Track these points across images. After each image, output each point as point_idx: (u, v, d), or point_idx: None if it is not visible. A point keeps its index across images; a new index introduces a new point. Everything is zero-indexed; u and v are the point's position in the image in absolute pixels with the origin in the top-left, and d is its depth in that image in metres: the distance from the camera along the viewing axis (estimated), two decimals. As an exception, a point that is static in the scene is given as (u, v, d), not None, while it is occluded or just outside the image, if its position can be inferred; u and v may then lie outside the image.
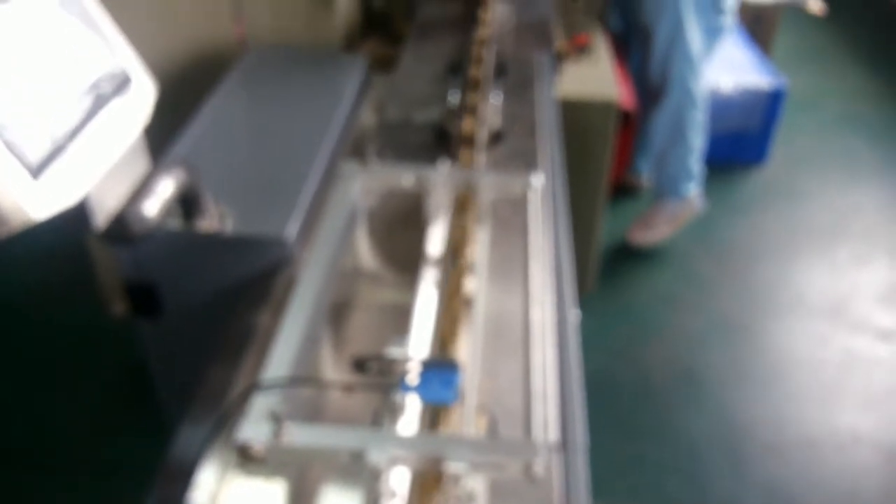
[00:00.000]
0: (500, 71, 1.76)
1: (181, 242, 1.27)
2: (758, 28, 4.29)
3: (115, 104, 0.93)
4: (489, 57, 1.82)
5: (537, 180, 1.17)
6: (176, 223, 1.26)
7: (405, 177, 1.18)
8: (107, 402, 2.35)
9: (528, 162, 1.45)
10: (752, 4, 4.16)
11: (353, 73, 1.80)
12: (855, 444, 2.31)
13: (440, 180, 1.16)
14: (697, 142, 2.86)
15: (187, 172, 1.16)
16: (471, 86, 1.67)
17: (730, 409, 2.43)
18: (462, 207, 1.25)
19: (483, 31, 1.93)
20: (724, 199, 3.39)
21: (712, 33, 2.84)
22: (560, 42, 2.44)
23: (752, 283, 2.93)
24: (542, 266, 1.13)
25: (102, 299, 1.30)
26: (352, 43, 2.29)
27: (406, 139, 1.53)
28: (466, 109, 1.58)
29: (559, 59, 2.39)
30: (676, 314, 2.76)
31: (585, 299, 2.66)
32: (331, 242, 1.12)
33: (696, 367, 2.56)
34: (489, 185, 1.16)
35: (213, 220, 1.27)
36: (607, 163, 2.33)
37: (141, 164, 1.02)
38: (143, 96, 0.96)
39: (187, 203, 1.24)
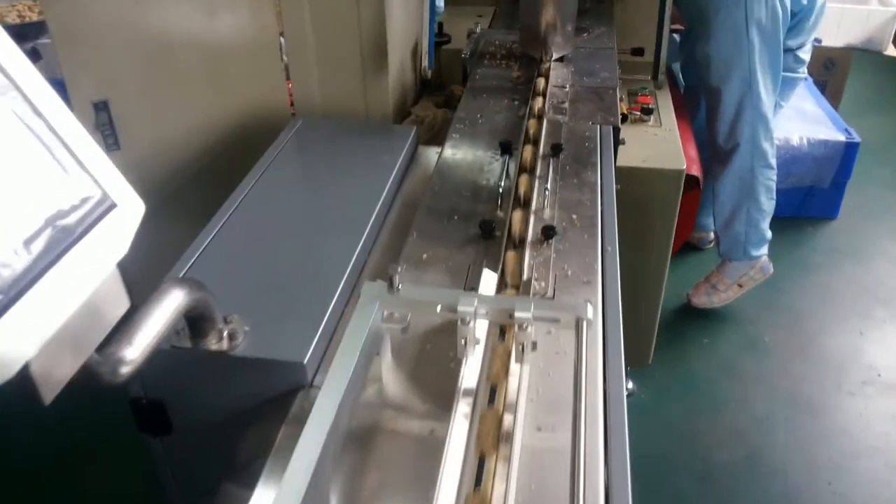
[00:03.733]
0: (556, 150, 1.52)
1: (189, 361, 1.08)
2: (828, 73, 3.92)
3: (88, 238, 0.72)
4: (543, 132, 1.59)
5: (591, 311, 0.93)
6: (184, 341, 1.07)
7: (435, 305, 0.95)
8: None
9: (583, 267, 1.20)
10: (824, 48, 3.81)
11: (398, 149, 1.58)
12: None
13: (476, 310, 0.93)
14: (769, 203, 2.55)
15: (193, 290, 0.96)
16: (522, 169, 1.44)
17: (795, 498, 2.12)
18: (502, 335, 1.02)
19: (537, 102, 1.70)
20: (793, 258, 3.06)
21: (787, 85, 2.53)
22: (622, 103, 2.19)
23: (822, 353, 2.60)
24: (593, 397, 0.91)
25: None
26: (403, 107, 2.08)
27: (450, 231, 1.30)
28: (516, 200, 1.35)
29: (621, 121, 2.14)
30: (739, 388, 2.45)
31: (642, 371, 2.44)
32: (350, 366, 0.91)
33: (760, 448, 2.25)
34: (534, 316, 0.92)
35: (223, 339, 1.07)
36: (670, 234, 2.06)
37: (118, 303, 0.82)
38: (121, 224, 0.75)
39: (194, 322, 1.04)
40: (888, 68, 4.55)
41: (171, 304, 0.91)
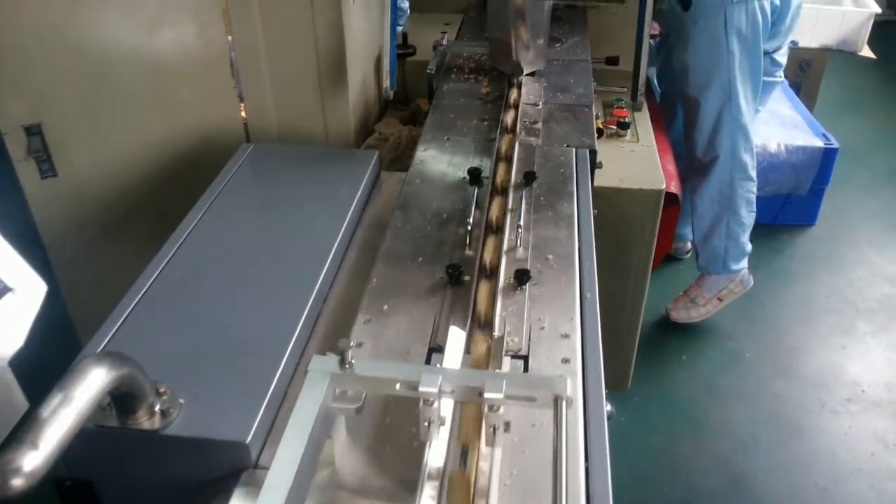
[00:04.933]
0: (529, 179, 1.40)
1: (117, 440, 0.94)
2: (803, 74, 3.86)
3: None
4: (515, 157, 1.47)
5: (570, 387, 0.82)
6: (110, 419, 0.93)
7: (393, 383, 0.83)
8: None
9: (561, 316, 1.08)
10: (799, 49, 3.74)
11: (357, 178, 1.46)
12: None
13: (440, 388, 0.81)
14: (749, 216, 2.46)
15: (115, 366, 0.83)
16: (492, 204, 1.32)
17: (782, 526, 2.04)
18: (469, 413, 0.90)
19: (508, 121, 1.58)
20: (771, 267, 2.98)
21: (764, 89, 2.44)
22: (597, 119, 2.07)
23: (804, 369, 2.52)
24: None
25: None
26: (366, 124, 1.95)
27: (414, 277, 1.18)
28: (485, 238, 1.23)
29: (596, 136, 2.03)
30: (721, 408, 2.36)
31: (622, 395, 2.34)
32: (298, 454, 0.79)
33: (744, 471, 2.17)
34: (507, 395, 0.81)
35: (155, 415, 0.94)
36: (649, 255, 1.95)
37: (12, 406, 0.69)
38: (16, 312, 0.62)
39: (121, 399, 0.91)
40: (863, 69, 4.51)
41: (87, 389, 0.78)
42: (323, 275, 1.20)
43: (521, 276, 1.14)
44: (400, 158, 1.87)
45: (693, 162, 2.47)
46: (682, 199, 2.38)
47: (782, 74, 2.53)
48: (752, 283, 2.61)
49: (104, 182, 1.76)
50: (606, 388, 1.00)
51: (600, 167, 1.64)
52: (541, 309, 1.11)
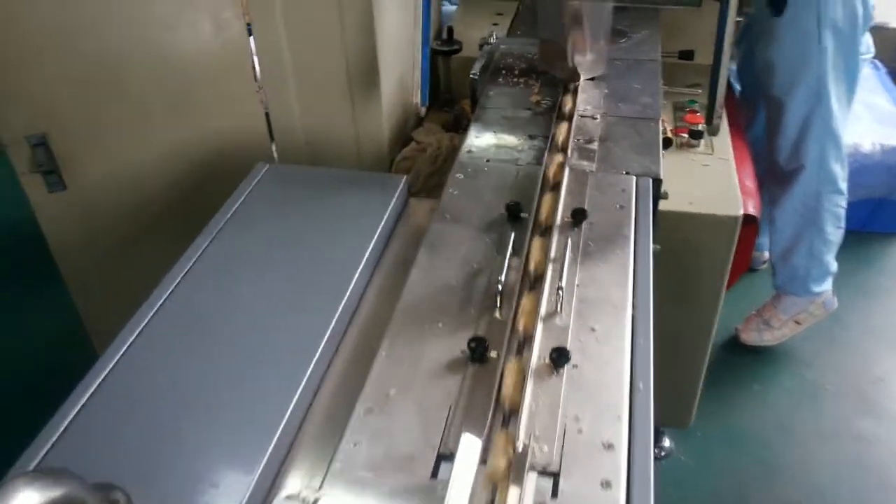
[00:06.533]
0: (578, 218, 1.18)
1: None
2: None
3: None
4: (564, 188, 1.24)
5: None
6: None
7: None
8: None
9: (604, 415, 0.87)
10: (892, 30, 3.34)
11: (379, 210, 1.26)
12: None
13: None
14: (836, 233, 2.17)
15: (48, 487, 0.67)
16: (530, 253, 1.11)
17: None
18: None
19: (559, 139, 1.35)
20: (859, 283, 2.66)
21: (852, 84, 2.11)
22: (665, 123, 1.81)
23: (894, 406, 2.22)
24: None
25: None
26: (404, 130, 1.74)
27: (431, 348, 0.98)
28: (519, 298, 1.02)
29: (664, 146, 1.77)
30: (797, 449, 2.10)
31: (683, 432, 2.11)
32: None
33: (821, 526, 1.92)
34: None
35: (100, 537, 0.77)
36: (720, 287, 1.70)
37: None
38: None
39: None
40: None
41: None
42: (327, 336, 1.01)
43: (559, 357, 0.93)
44: (439, 171, 1.66)
45: (775, 169, 2.18)
46: (760, 211, 2.10)
47: (870, 51, 2.15)
48: (836, 305, 2.31)
49: (117, 195, 1.62)
50: (665, 423, 0.79)
51: (665, 197, 1.40)
52: (580, 402, 0.89)
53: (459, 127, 1.81)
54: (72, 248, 1.64)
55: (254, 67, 1.57)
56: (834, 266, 2.24)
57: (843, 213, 2.15)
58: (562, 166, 1.30)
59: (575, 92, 1.56)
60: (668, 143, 1.78)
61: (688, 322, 1.75)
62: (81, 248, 1.65)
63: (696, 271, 1.67)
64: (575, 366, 0.94)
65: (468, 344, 0.96)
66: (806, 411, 2.21)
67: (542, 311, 1.02)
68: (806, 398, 2.25)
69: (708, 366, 2.01)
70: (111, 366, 0.98)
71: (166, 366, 0.98)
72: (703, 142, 1.81)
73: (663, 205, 1.51)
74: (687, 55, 2.03)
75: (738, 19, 2.31)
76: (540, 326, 0.99)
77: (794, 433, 2.14)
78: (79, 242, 1.64)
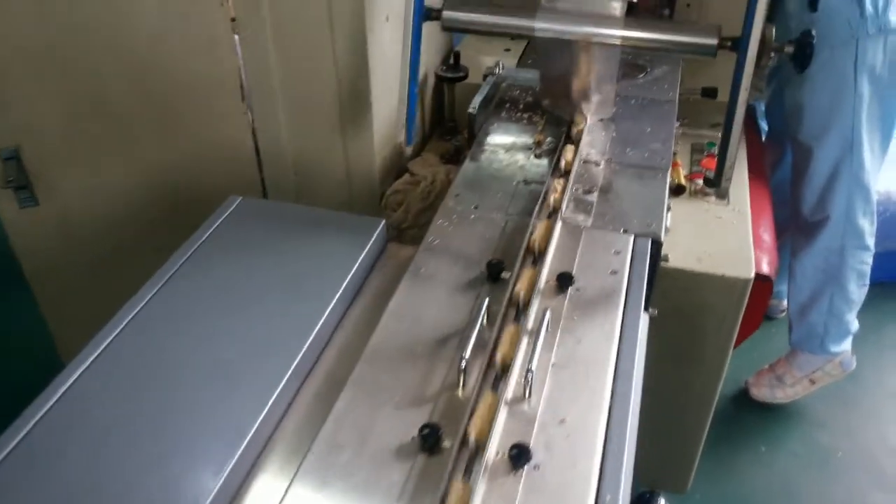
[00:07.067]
0: (564, 283, 1.07)
1: None
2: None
3: None
4: (554, 242, 1.13)
5: None
6: None
7: None
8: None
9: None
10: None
11: (351, 255, 1.16)
12: None
13: None
14: (859, 292, 2.03)
15: None
16: (505, 323, 1.00)
17: None
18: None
19: (555, 190, 1.24)
20: (881, 339, 2.50)
21: (888, 134, 1.97)
22: (679, 167, 1.69)
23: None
24: None
25: None
26: (400, 160, 1.63)
27: (379, 431, 0.88)
28: (484, 378, 0.92)
29: (675, 193, 1.65)
30: (803, 521, 1.97)
31: (680, 499, 1.97)
32: None
33: None
34: None
35: None
36: (726, 350, 1.57)
37: None
38: None
39: None
40: None
41: None
42: (275, 395, 0.92)
43: (518, 455, 0.82)
44: (431, 208, 1.55)
45: (798, 219, 2.04)
46: (777, 268, 1.97)
47: None
48: (854, 365, 2.17)
49: (92, 214, 1.54)
50: (660, 487, 0.69)
51: (665, 261, 1.29)
52: (536, 512, 0.79)
53: (460, 158, 1.70)
54: (43, 265, 1.57)
55: (242, 87, 1.48)
56: (854, 325, 2.10)
57: (867, 270, 2.01)
58: (550, 229, 1.18)
59: (577, 140, 1.43)
60: (680, 190, 1.66)
61: (690, 383, 1.62)
62: (53, 266, 1.57)
63: (701, 331, 1.54)
64: (536, 466, 0.83)
65: (420, 430, 0.85)
66: (815, 478, 2.06)
67: (509, 394, 0.91)
68: (815, 464, 2.11)
69: (711, 421, 1.88)
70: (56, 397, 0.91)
71: (116, 400, 0.91)
72: (716, 191, 1.68)
73: (670, 258, 1.40)
74: (710, 93, 1.90)
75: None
76: (503, 414, 0.88)
77: (801, 502, 2.00)
78: (51, 260, 1.57)
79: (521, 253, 1.10)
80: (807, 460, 2.12)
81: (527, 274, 1.06)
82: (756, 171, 1.82)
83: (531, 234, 1.14)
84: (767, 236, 1.79)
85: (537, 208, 1.20)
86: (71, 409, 0.91)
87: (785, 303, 2.54)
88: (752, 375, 2.30)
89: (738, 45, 1.18)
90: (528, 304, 1.03)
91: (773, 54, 1.16)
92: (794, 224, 2.07)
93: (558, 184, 1.25)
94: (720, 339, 1.55)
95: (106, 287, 1.59)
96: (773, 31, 1.15)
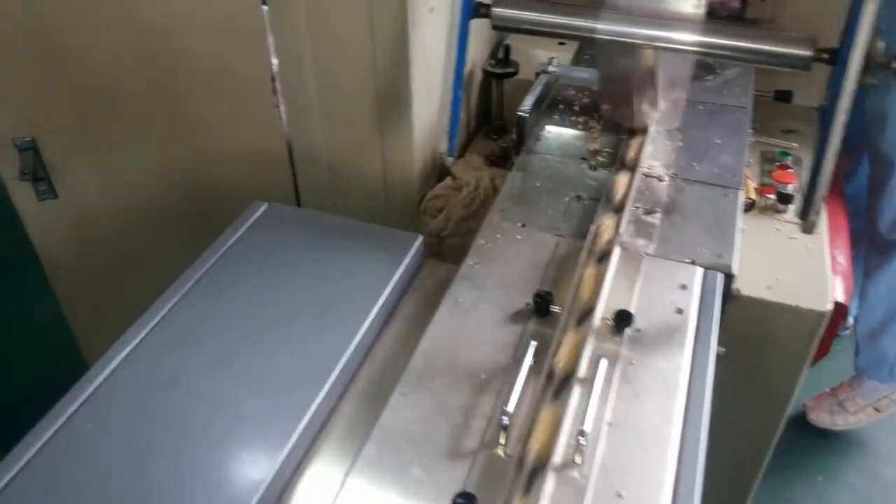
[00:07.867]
0: (621, 322, 0.94)
1: None
2: None
3: None
4: (609, 277, 1.00)
5: None
6: None
7: None
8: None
9: None
10: None
11: (385, 273, 1.04)
12: None
13: None
14: (936, 320, 1.84)
15: None
16: (554, 369, 0.87)
17: None
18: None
19: (612, 207, 1.10)
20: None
21: None
22: (749, 180, 1.52)
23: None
24: None
25: None
26: (441, 162, 1.50)
27: (406, 492, 0.76)
28: (529, 434, 0.80)
29: (745, 208, 1.49)
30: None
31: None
32: None
33: None
34: None
35: None
36: (793, 385, 1.42)
37: None
38: None
39: None
40: None
41: None
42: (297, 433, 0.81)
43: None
44: (474, 216, 1.43)
45: (873, 235, 1.86)
46: (852, 292, 1.80)
47: None
48: (926, 396, 1.99)
49: (113, 209, 1.45)
50: None
51: (737, 294, 1.14)
52: None
53: (507, 161, 1.56)
54: (62, 258, 1.49)
55: (273, 81, 1.37)
56: (929, 354, 1.92)
57: (948, 297, 1.83)
58: (608, 247, 1.05)
59: (639, 150, 1.28)
60: (750, 205, 1.50)
61: (751, 418, 1.48)
62: (72, 260, 1.49)
63: (766, 364, 1.39)
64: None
65: (453, 502, 0.74)
66: (876, 516, 1.91)
67: (559, 456, 0.79)
68: (875, 499, 1.94)
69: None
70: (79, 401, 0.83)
71: (136, 421, 0.82)
72: (792, 207, 1.52)
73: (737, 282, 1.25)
74: (784, 96, 1.72)
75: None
76: (550, 482, 0.76)
77: (860, 543, 1.85)
78: (70, 254, 1.48)
79: (575, 284, 0.97)
80: (865, 495, 1.96)
81: (580, 303, 0.93)
82: (832, 185, 1.64)
83: (587, 249, 1.00)
84: (843, 258, 1.61)
85: (594, 226, 1.06)
86: (81, 428, 0.82)
87: (851, 320, 2.35)
88: (812, 399, 2.13)
89: (835, 56, 1.01)
90: (581, 345, 0.90)
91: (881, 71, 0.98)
92: (868, 240, 1.89)
93: (617, 196, 1.11)
94: (787, 373, 1.40)
95: (124, 281, 1.51)
96: (883, 44, 0.97)
